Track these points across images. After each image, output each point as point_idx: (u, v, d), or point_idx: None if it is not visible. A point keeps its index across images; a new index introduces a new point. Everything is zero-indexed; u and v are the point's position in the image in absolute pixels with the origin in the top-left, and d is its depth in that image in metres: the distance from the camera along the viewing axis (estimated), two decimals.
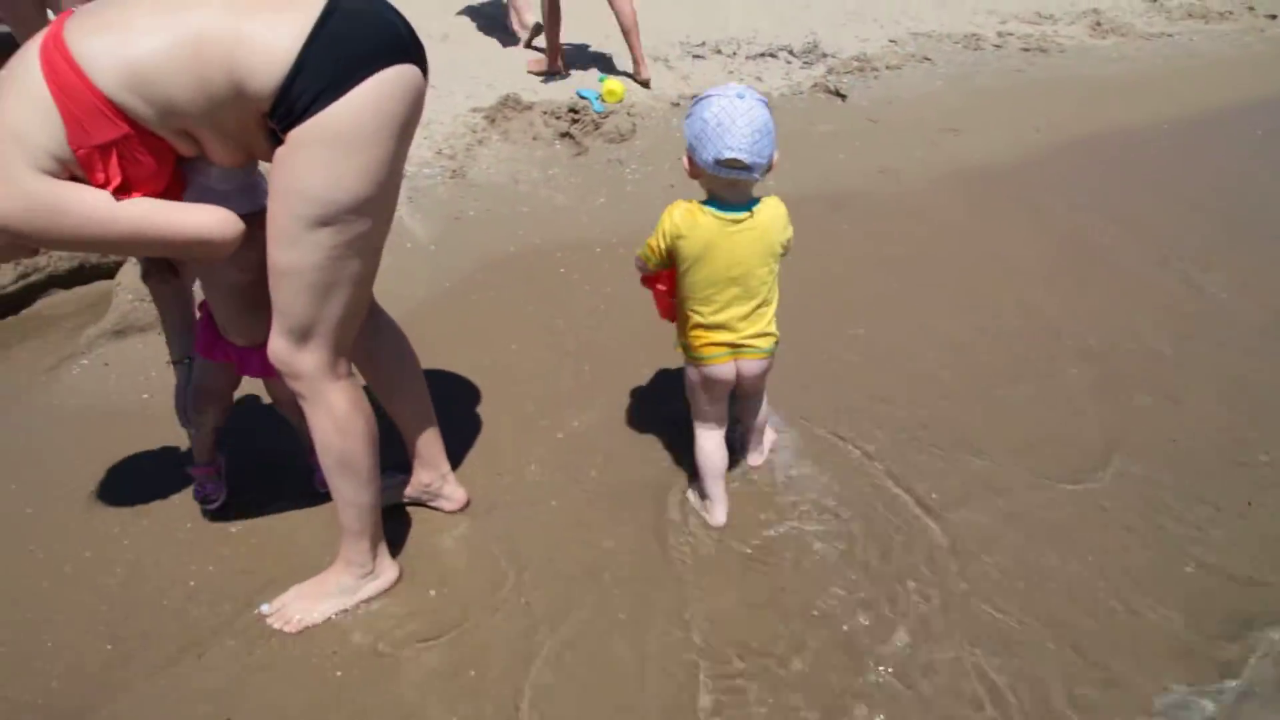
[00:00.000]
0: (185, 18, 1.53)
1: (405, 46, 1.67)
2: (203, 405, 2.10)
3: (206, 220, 1.67)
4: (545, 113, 4.57)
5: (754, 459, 2.41)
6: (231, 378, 2.10)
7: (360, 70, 1.57)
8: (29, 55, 1.53)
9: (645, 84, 5.11)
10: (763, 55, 5.55)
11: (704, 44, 5.72)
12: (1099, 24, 6.48)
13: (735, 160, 1.87)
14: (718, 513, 2.21)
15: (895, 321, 2.99)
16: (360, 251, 1.71)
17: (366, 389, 1.98)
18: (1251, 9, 6.92)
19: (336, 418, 1.83)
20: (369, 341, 2.05)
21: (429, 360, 2.73)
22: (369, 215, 1.68)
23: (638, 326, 2.94)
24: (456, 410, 2.58)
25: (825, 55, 5.61)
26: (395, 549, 2.09)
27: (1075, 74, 5.55)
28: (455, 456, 2.36)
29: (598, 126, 4.53)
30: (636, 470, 2.37)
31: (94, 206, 1.57)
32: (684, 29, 6.00)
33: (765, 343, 2.08)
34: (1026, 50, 5.94)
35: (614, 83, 4.85)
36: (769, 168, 1.95)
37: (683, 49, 5.61)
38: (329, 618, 1.96)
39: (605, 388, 2.69)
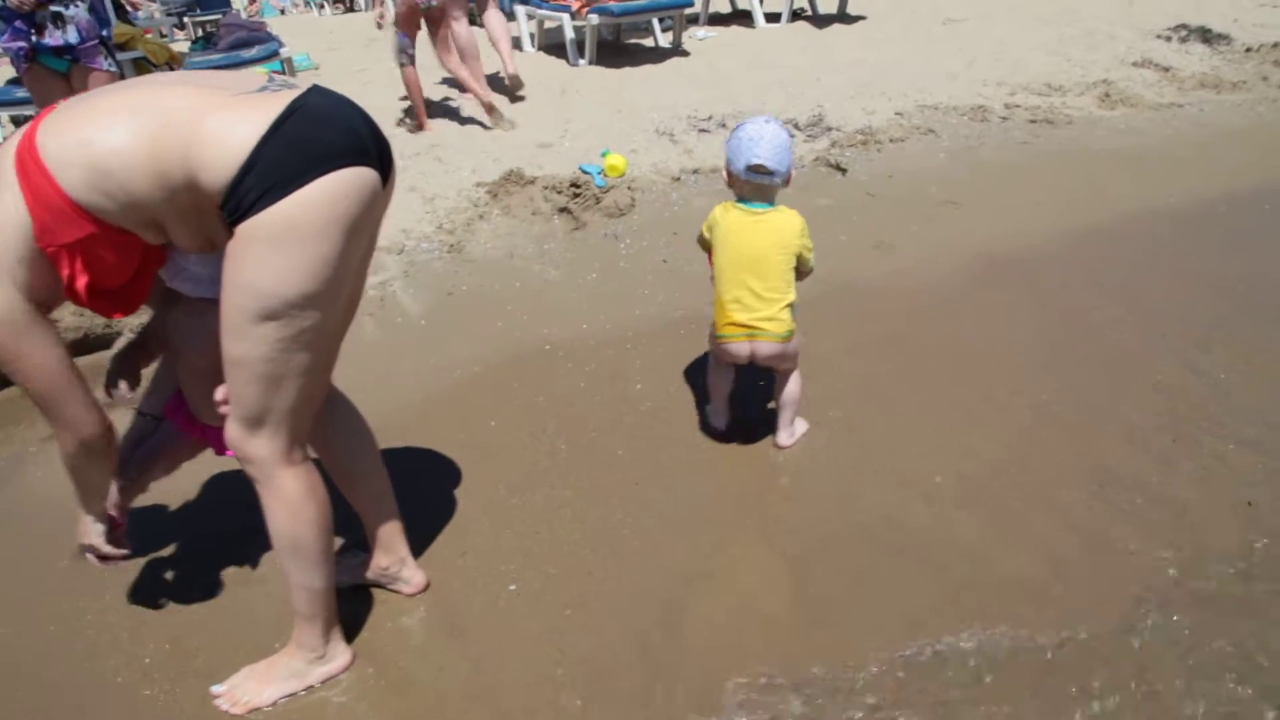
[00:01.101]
0: (147, 117, 1.62)
1: (363, 149, 1.74)
2: (149, 465, 2.15)
3: (86, 419, 1.77)
4: (547, 187, 4.69)
5: (783, 437, 2.73)
6: (193, 451, 2.17)
7: (312, 169, 1.64)
8: (5, 156, 1.64)
9: (514, 82, 5.96)
10: None
11: (710, 118, 5.84)
12: (1108, 95, 6.51)
13: (761, 165, 2.43)
14: (715, 418, 2.80)
15: (875, 406, 2.96)
16: (308, 345, 1.77)
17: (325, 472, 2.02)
18: (1265, 79, 6.92)
19: (289, 503, 1.88)
20: (325, 426, 2.10)
21: (406, 436, 2.83)
22: (316, 310, 1.73)
23: (619, 407, 2.98)
24: (426, 488, 2.62)
25: (830, 128, 5.69)
26: (352, 631, 2.12)
27: (1081, 146, 5.56)
28: (421, 535, 2.39)
29: (598, 201, 4.63)
30: (602, 565, 2.35)
31: (34, 351, 1.67)
32: (694, 103, 6.14)
33: (777, 327, 2.50)
34: (1033, 122, 5.98)
35: (616, 158, 4.96)
36: (788, 179, 2.49)
37: (689, 123, 5.73)
38: (276, 701, 1.98)
39: (580, 469, 2.71)
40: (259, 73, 1.82)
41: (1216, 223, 4.38)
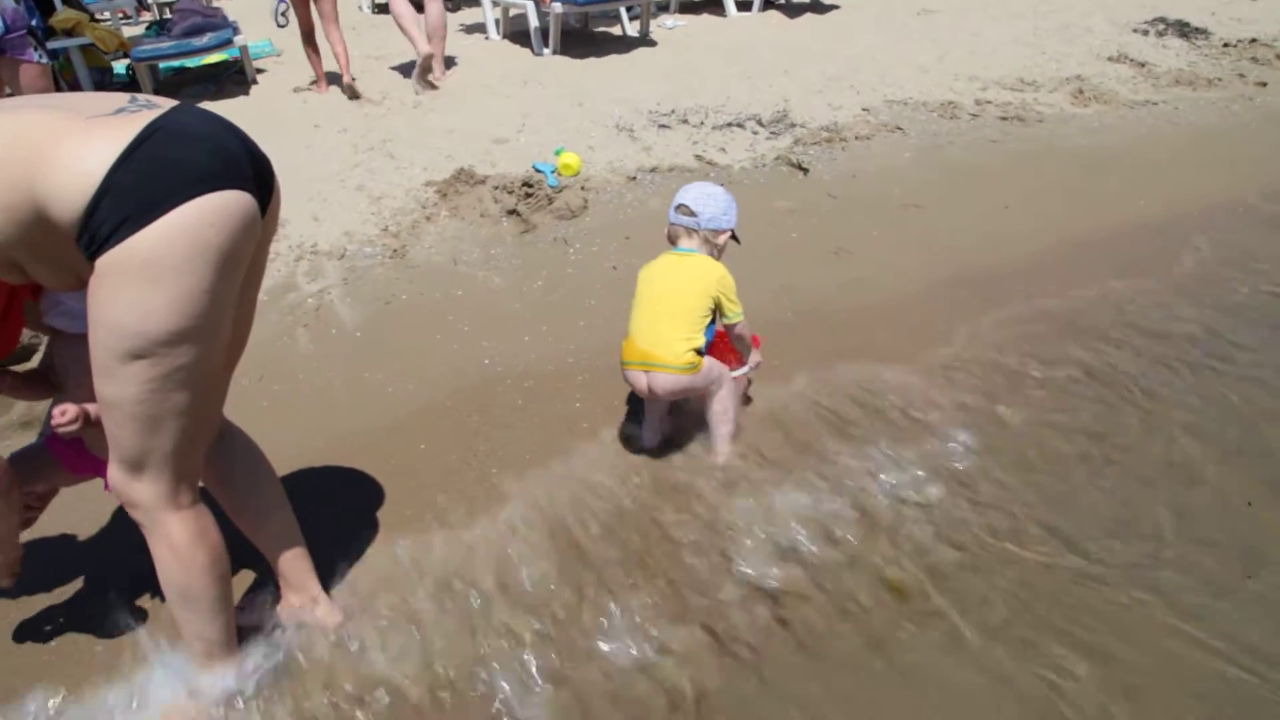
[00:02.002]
0: None
1: (237, 170, 1.62)
2: (30, 481, 2.06)
3: None
4: (497, 187, 4.57)
5: (720, 454, 2.67)
6: (63, 479, 2.09)
7: (173, 196, 1.50)
8: None
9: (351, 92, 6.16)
10: (730, 125, 5.54)
11: (673, 112, 5.72)
12: (1081, 91, 6.43)
13: (684, 206, 2.58)
14: (646, 435, 2.76)
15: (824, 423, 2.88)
16: (184, 384, 1.65)
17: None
18: (1242, 76, 6.86)
19: (176, 549, 1.77)
20: (219, 464, 2.00)
21: (330, 457, 2.72)
22: (190, 347, 1.61)
23: (554, 429, 2.88)
24: (348, 517, 2.51)
25: (794, 125, 5.59)
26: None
27: (1051, 145, 5.48)
28: (339, 569, 2.29)
29: (550, 201, 4.52)
30: (528, 596, 2.26)
31: None
32: (656, 96, 6.02)
33: (675, 359, 2.48)
34: (1004, 119, 5.90)
35: (570, 156, 4.84)
36: (719, 236, 2.58)
37: (650, 118, 5.61)
38: None
39: (511, 495, 2.60)
40: (117, 95, 1.69)
41: (1187, 229, 4.31)
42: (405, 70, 6.80)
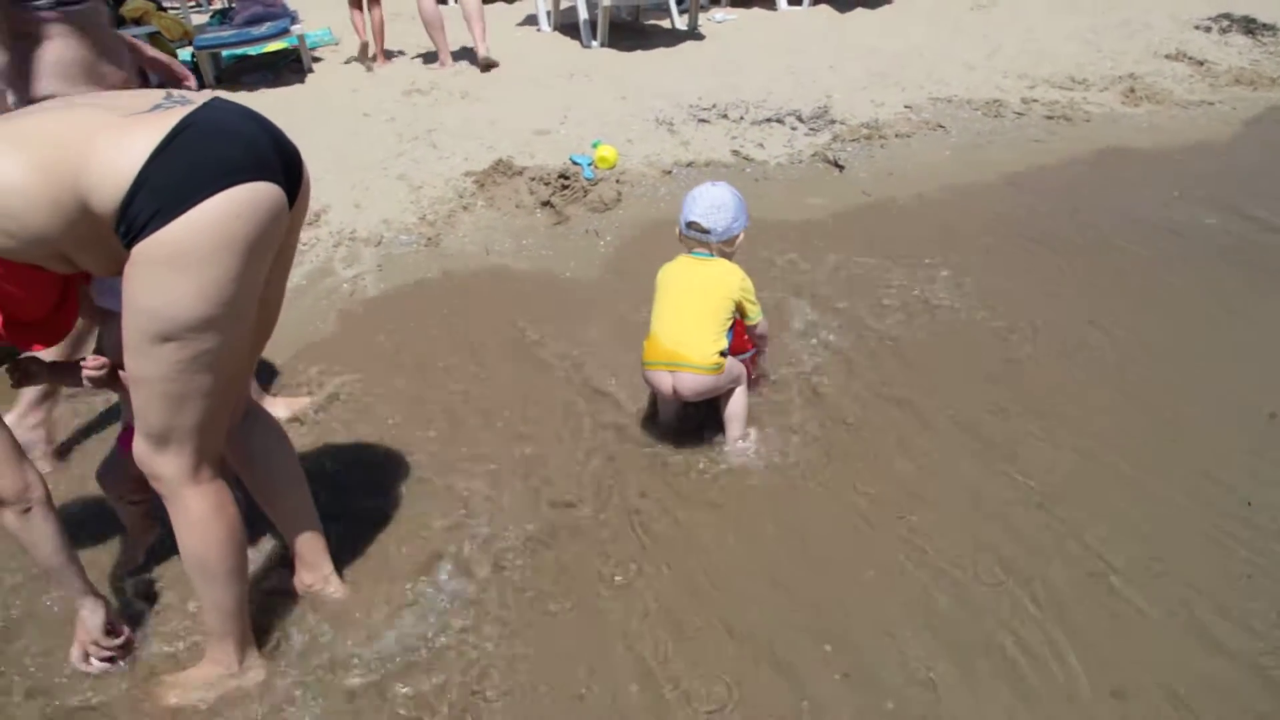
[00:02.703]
0: (37, 146, 1.62)
1: (264, 163, 1.73)
2: (114, 488, 2.23)
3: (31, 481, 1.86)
4: (534, 179, 4.67)
5: (734, 450, 2.71)
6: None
7: (205, 188, 1.62)
8: None
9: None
10: (769, 120, 5.57)
11: (713, 107, 5.77)
12: (1133, 90, 6.31)
13: (696, 223, 2.64)
14: (663, 411, 2.81)
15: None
16: (209, 366, 1.77)
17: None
18: None
19: (195, 522, 1.90)
20: (242, 442, 2.12)
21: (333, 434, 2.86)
22: (216, 332, 1.73)
23: (574, 418, 2.96)
24: (362, 503, 2.62)
25: (833, 121, 5.59)
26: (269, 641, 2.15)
27: (1096, 145, 5.41)
28: (350, 549, 2.41)
29: (585, 194, 4.61)
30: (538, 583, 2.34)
31: None
32: (698, 91, 6.07)
33: (702, 359, 2.55)
34: (1050, 118, 5.83)
35: (607, 149, 4.93)
36: (732, 241, 2.67)
37: (689, 112, 5.66)
38: (182, 707, 2.02)
39: (519, 492, 2.66)
40: (157, 91, 1.82)
41: (1210, 242, 4.22)
42: (462, 58, 6.94)
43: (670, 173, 4.91)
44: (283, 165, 1.78)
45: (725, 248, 2.69)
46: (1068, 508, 2.50)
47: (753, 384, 2.90)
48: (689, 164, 5.00)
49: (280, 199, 1.75)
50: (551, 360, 3.30)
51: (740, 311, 2.66)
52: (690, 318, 2.60)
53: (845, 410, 2.93)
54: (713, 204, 2.64)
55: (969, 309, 3.54)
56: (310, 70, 6.94)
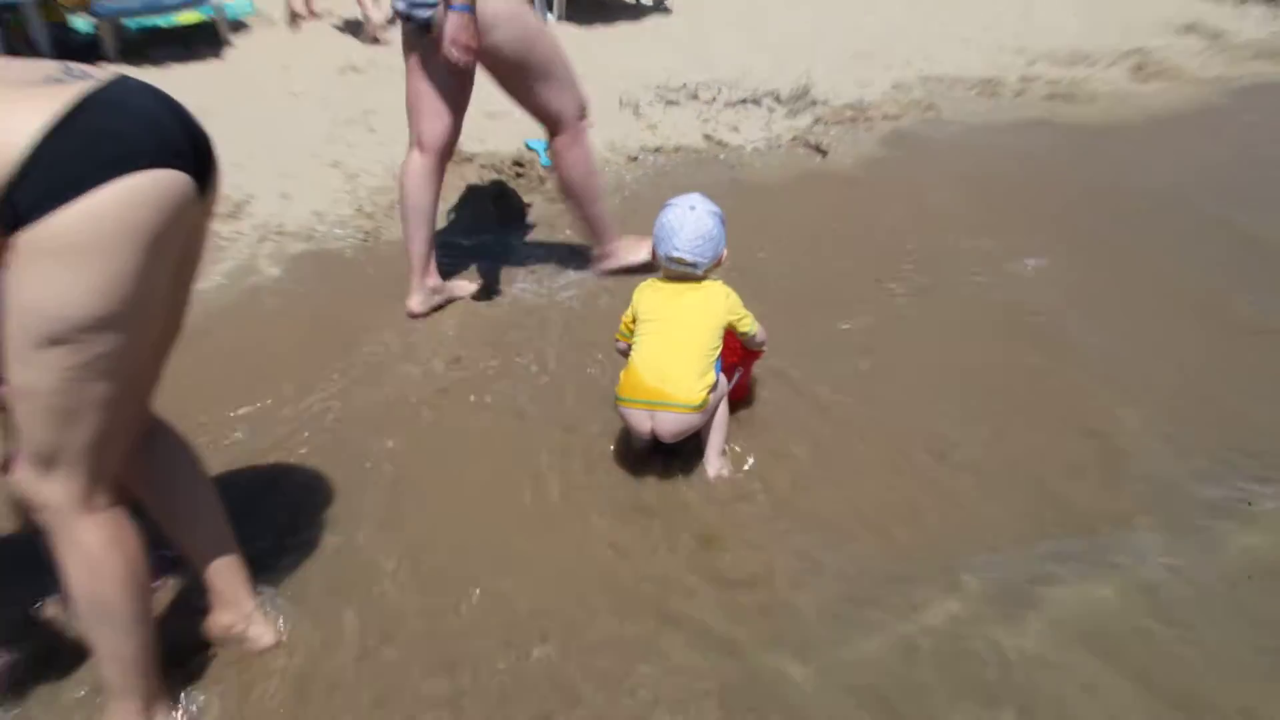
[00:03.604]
0: None
1: (171, 147, 1.70)
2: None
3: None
4: (485, 166, 4.66)
5: (712, 467, 2.74)
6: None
7: (104, 172, 1.58)
8: None
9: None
10: (744, 102, 5.61)
11: (683, 87, 5.79)
12: (1142, 66, 6.42)
13: (680, 259, 2.65)
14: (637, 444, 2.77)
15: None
16: (106, 374, 1.72)
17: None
18: None
19: (87, 557, 1.82)
20: (144, 463, 2.05)
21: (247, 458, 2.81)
22: (114, 335, 1.69)
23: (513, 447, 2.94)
24: (287, 530, 2.59)
25: (815, 102, 5.65)
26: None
27: (1103, 127, 5.48)
28: (279, 576, 2.37)
29: (542, 182, 4.60)
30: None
31: None
32: (667, 70, 6.08)
33: (688, 395, 2.56)
34: (1050, 98, 5.91)
35: None
36: (716, 264, 2.71)
37: (656, 93, 5.68)
38: None
39: (442, 504, 2.67)
40: (53, 63, 1.76)
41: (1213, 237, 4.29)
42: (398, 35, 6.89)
43: (636, 159, 4.92)
44: (192, 151, 1.75)
45: (706, 274, 2.74)
46: None
47: (739, 391, 2.92)
48: (656, 150, 5.02)
49: (188, 188, 1.72)
50: (507, 371, 3.28)
51: (732, 329, 2.72)
52: (675, 351, 2.62)
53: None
54: (698, 235, 2.65)
55: (946, 313, 3.59)
56: (229, 44, 6.85)
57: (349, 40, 6.96)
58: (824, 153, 5.07)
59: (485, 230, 4.30)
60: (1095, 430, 2.89)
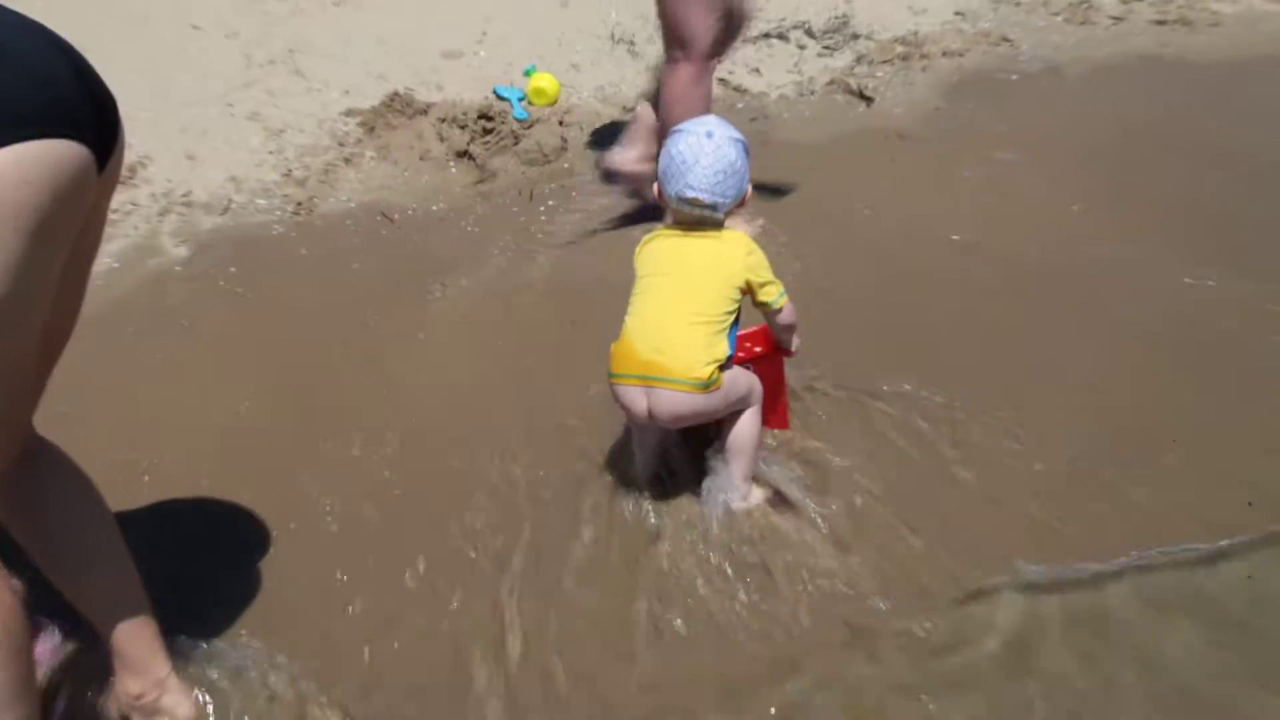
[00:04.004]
0: None
1: (67, 110, 1.66)
2: None
3: None
4: (444, 120, 4.66)
5: (735, 498, 2.69)
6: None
7: None
8: None
9: None
10: (768, 36, 5.60)
11: None
12: None
13: (696, 199, 2.55)
14: (641, 460, 2.79)
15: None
16: None
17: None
18: None
19: None
20: (23, 493, 2.01)
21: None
22: None
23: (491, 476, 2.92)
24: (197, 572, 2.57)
25: (857, 36, 5.65)
26: None
27: (1230, 61, 5.44)
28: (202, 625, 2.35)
29: (516, 140, 4.60)
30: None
31: None
32: None
33: (689, 370, 2.49)
34: (1160, 23, 5.90)
35: (545, 79, 4.93)
36: (740, 203, 2.63)
37: (657, 26, 5.64)
38: None
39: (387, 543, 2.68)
40: None
41: None
42: None
43: (633, 110, 4.88)
44: (92, 115, 1.72)
45: (730, 214, 2.65)
46: None
47: (774, 411, 2.89)
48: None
49: (88, 163, 1.69)
50: (474, 382, 3.27)
51: (750, 295, 2.61)
52: (676, 314, 2.55)
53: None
54: (718, 169, 2.55)
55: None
56: None
57: None
58: (869, 100, 5.05)
59: (441, 200, 4.29)
60: None
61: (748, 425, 2.69)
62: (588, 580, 2.57)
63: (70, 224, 1.72)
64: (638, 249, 2.70)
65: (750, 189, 2.65)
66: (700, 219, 2.61)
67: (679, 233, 2.65)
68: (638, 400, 2.57)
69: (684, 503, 2.74)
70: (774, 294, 2.62)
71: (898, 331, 3.41)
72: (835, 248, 3.89)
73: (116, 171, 1.89)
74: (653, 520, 2.71)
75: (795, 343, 2.80)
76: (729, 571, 2.56)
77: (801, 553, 2.59)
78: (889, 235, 4.00)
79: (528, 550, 2.64)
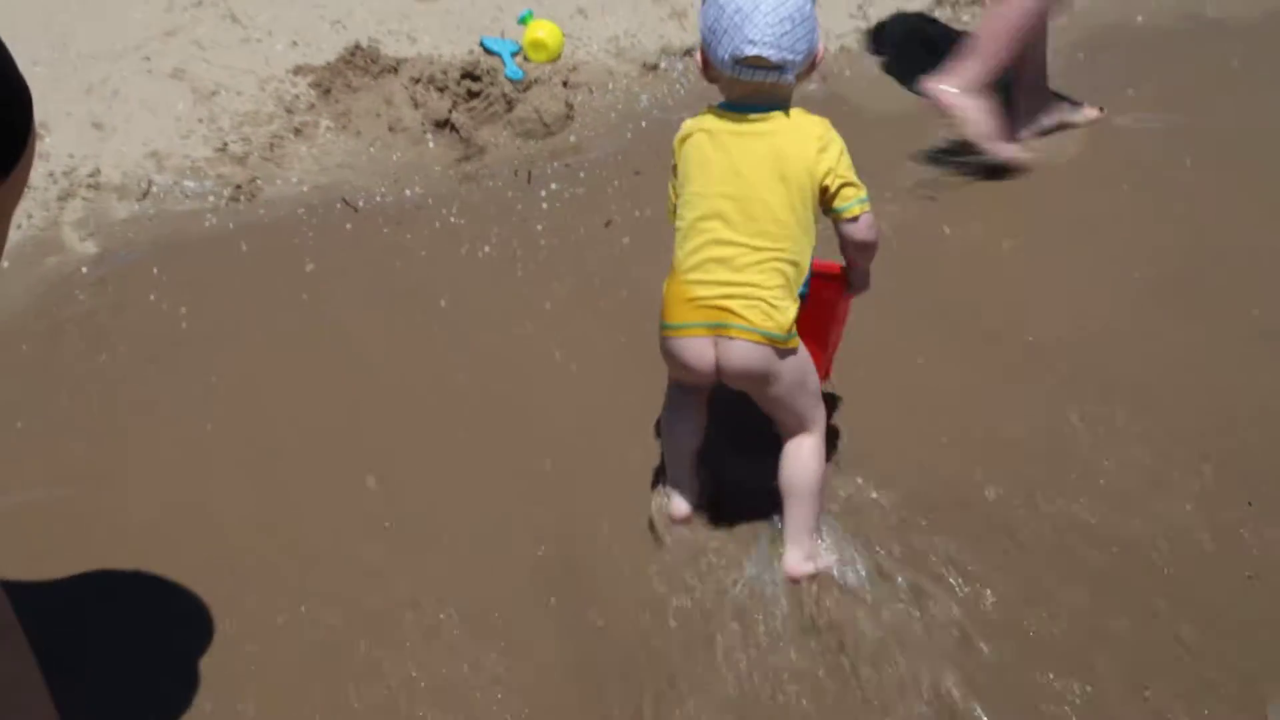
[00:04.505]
0: None
1: None
2: None
3: None
4: (419, 80, 4.69)
5: (792, 560, 2.71)
6: None
7: None
8: None
9: None
10: None
11: None
12: None
13: (758, 58, 2.48)
14: (677, 503, 2.87)
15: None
16: None
17: None
18: None
19: None
20: None
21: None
22: None
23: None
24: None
25: None
26: None
27: None
28: None
29: (509, 106, 4.64)
30: None
31: None
32: None
33: (762, 317, 2.52)
34: None
35: (545, 27, 4.97)
36: (811, 66, 2.61)
37: None
38: None
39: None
40: None
41: None
42: None
43: (658, 67, 4.98)
44: (7, 115, 1.77)
45: (796, 83, 2.62)
46: None
47: (819, 355, 2.85)
48: (687, 52, 5.04)
49: None
50: (471, 428, 3.32)
51: (829, 199, 2.61)
52: (742, 248, 2.56)
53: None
54: (783, 16, 2.48)
55: None
56: None
57: None
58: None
59: (416, 183, 4.37)
60: None
61: (811, 457, 2.73)
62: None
63: None
64: (678, 142, 2.69)
65: (823, 47, 2.64)
66: (758, 90, 2.56)
67: (731, 122, 2.61)
68: (703, 353, 2.60)
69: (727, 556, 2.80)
70: (852, 197, 2.59)
71: None
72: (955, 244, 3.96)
73: (23, 175, 1.93)
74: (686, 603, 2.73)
75: (866, 274, 2.81)
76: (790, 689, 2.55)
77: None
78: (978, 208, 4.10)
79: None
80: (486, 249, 4.04)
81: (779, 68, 2.50)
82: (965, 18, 5.41)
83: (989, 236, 4.09)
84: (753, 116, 2.57)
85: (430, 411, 3.36)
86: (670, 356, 2.67)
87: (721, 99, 2.65)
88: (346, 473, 3.15)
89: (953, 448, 3.16)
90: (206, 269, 3.94)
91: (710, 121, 2.62)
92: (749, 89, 2.56)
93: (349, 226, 4.15)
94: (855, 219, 2.60)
